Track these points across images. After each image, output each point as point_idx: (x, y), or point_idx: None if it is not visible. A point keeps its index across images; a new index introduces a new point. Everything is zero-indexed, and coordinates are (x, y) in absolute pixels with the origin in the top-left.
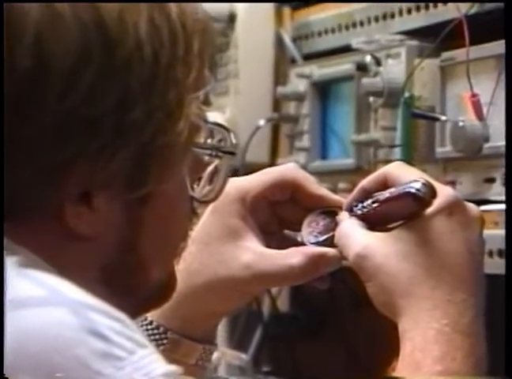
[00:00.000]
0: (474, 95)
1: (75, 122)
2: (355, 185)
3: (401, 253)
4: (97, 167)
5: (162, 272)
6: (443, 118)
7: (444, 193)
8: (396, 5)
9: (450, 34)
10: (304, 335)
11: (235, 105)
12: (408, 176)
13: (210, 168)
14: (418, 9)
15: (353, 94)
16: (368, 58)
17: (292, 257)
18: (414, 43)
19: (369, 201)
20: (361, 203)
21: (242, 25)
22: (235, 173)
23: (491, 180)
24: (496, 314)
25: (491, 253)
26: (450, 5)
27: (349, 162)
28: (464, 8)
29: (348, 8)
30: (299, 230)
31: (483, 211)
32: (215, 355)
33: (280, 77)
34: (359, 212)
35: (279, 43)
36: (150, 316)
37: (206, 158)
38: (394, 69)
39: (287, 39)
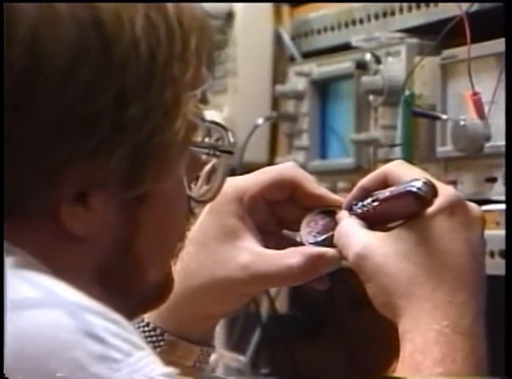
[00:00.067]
0: (475, 94)
1: (71, 121)
2: (354, 185)
3: (402, 252)
4: (93, 167)
5: (159, 272)
6: (444, 116)
7: (445, 192)
8: (396, 3)
9: (451, 32)
10: (303, 336)
11: (233, 103)
12: (408, 175)
13: (208, 167)
14: (418, 6)
15: (353, 92)
16: (368, 56)
17: (291, 257)
18: (414, 40)
19: (369, 200)
20: (361, 202)
21: (240, 23)
22: (233, 172)
23: (493, 180)
24: (498, 315)
25: (492, 254)
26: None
27: (349, 161)
28: (465, 5)
29: (348, 5)
30: (297, 230)
31: (485, 211)
32: (212, 357)
33: (278, 75)
34: (359, 211)
35: (278, 40)
36: (147, 317)
37: (204, 157)
38: (394, 67)
39: (286, 37)
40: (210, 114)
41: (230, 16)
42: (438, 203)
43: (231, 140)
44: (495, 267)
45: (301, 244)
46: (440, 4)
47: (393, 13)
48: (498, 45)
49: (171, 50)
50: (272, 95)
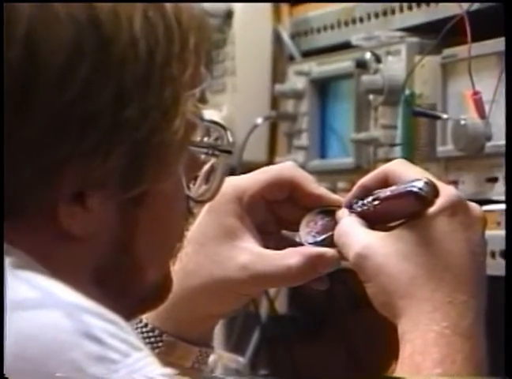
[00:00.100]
0: (476, 93)
1: (69, 120)
2: (354, 185)
3: (402, 253)
4: (91, 166)
5: (157, 273)
6: (445, 116)
7: (447, 192)
8: (396, 2)
9: (451, 31)
10: (303, 337)
11: (232, 103)
12: (409, 174)
13: (206, 167)
14: (419, 5)
15: (353, 92)
16: (368, 55)
17: (290, 257)
18: (415, 39)
19: (369, 199)
20: (361, 200)
21: (239, 21)
22: (232, 172)
23: (494, 179)
24: (499, 315)
25: (493, 254)
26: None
27: (349, 161)
28: (466, 4)
29: (348, 4)
30: (297, 230)
31: (486, 211)
32: (211, 358)
33: (278, 75)
34: (359, 210)
35: (277, 39)
36: (145, 318)
37: (202, 157)
38: (394, 67)
39: (285, 36)
40: (209, 114)
41: (229, 15)
42: (439, 203)
43: (230, 139)
44: (496, 267)
45: (300, 244)
46: (440, 2)
47: (393, 12)
48: (499, 44)
49: (170, 49)
50: (272, 94)
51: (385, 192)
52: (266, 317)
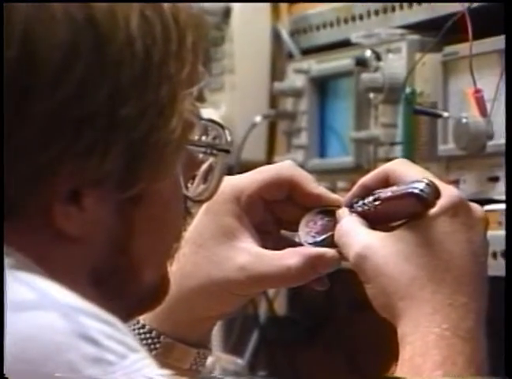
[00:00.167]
0: (477, 91)
1: (65, 119)
2: (354, 184)
3: (403, 253)
4: (87, 165)
5: (154, 274)
6: (446, 114)
7: (448, 193)
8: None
9: (453, 28)
10: (302, 338)
11: (230, 101)
12: (410, 174)
13: (204, 166)
14: (419, 2)
15: (352, 90)
16: (368, 53)
17: (289, 258)
18: (415, 37)
19: (370, 199)
20: (362, 200)
21: (237, 19)
22: (231, 171)
23: (495, 179)
24: (501, 316)
25: (494, 255)
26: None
27: (348, 160)
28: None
29: (347, 1)
30: (296, 230)
31: (487, 211)
32: (209, 360)
33: (277, 73)
34: (360, 209)
35: (276, 37)
36: (142, 319)
37: (200, 156)
38: (395, 64)
39: (284, 33)
40: (207, 112)
41: (227, 13)
42: (440, 204)
43: (229, 138)
44: (498, 268)
45: (300, 244)
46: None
47: (393, 9)
48: (501, 41)
49: (167, 47)
50: (271, 92)
51: (386, 192)
52: (265, 318)
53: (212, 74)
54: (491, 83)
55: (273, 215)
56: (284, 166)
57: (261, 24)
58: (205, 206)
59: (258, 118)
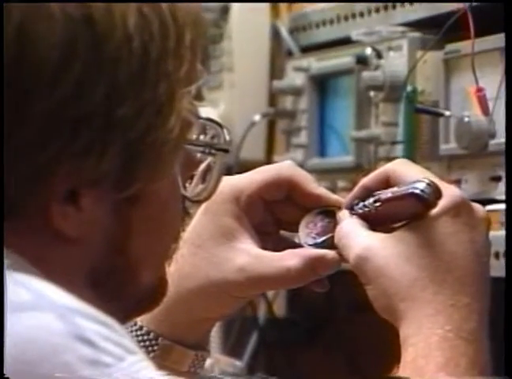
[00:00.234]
0: (480, 90)
1: (62, 118)
2: (355, 184)
3: (404, 254)
4: (85, 165)
5: (152, 275)
6: (447, 113)
7: (450, 193)
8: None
9: (454, 25)
10: (302, 340)
11: (229, 100)
12: (411, 174)
13: (203, 166)
14: (420, 0)
15: (353, 88)
16: (369, 51)
17: (289, 259)
18: (416, 34)
19: (371, 200)
20: (362, 201)
21: (236, 16)
22: (229, 171)
23: (497, 178)
24: (503, 317)
25: (497, 255)
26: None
27: (349, 159)
28: None
29: (348, 1)
30: (296, 230)
31: (489, 211)
32: (208, 362)
33: (276, 71)
34: (360, 211)
35: (275, 34)
36: (140, 321)
37: (199, 155)
38: (396, 62)
39: (283, 31)
40: (205, 111)
41: (225, 10)
42: (442, 204)
43: (227, 137)
44: (500, 268)
45: (299, 245)
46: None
47: (394, 6)
48: (503, 39)
49: (165, 45)
50: (270, 91)
51: (387, 193)
52: (264, 320)
53: (210, 72)
54: (493, 81)
55: (273, 215)
56: (284, 166)
57: (260, 22)
58: (203, 206)
59: (257, 117)
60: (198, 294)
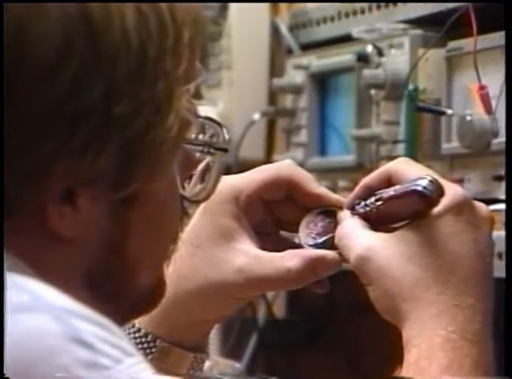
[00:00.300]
0: (482, 88)
1: (59, 116)
2: (355, 183)
3: (406, 254)
4: (81, 164)
5: (150, 276)
6: (449, 111)
7: (452, 191)
8: None
9: (456, 23)
10: (302, 342)
11: (228, 98)
12: (413, 173)
13: (202, 165)
14: None
15: (354, 86)
16: (370, 48)
17: (289, 260)
18: (418, 32)
19: (372, 199)
20: (364, 201)
21: (235, 13)
22: (228, 170)
23: (500, 178)
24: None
25: (500, 255)
26: None
27: (350, 158)
28: None
29: (348, 1)
30: (296, 231)
31: (492, 210)
32: (207, 364)
33: (276, 69)
34: (362, 211)
35: (275, 31)
36: (138, 323)
37: (197, 155)
38: (397, 60)
39: (283, 28)
40: (204, 110)
41: (224, 7)
42: (444, 202)
43: (226, 136)
44: (504, 269)
45: (300, 246)
46: None
47: (395, 3)
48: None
49: (163, 43)
50: (269, 89)
51: (389, 192)
52: (264, 321)
53: (209, 70)
54: (496, 79)
55: (273, 215)
56: (284, 166)
57: (259, 19)
58: (202, 206)
59: (257, 116)
60: (197, 296)
